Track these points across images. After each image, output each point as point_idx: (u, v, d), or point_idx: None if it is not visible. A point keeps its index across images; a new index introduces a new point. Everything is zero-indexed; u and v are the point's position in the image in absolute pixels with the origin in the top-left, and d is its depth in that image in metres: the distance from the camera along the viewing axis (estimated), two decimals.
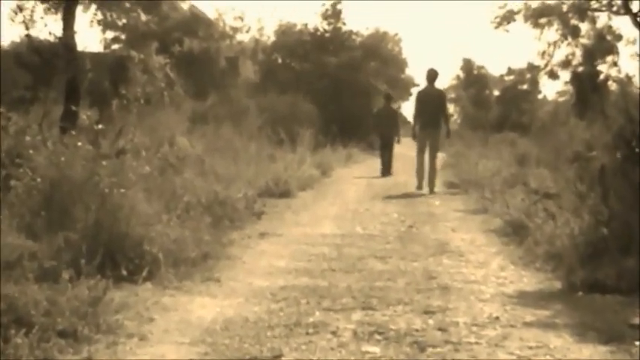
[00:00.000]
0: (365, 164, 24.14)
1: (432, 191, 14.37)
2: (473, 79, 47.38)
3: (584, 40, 33.64)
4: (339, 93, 32.34)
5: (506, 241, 8.54)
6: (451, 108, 55.55)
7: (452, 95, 52.53)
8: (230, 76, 30.24)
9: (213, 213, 8.76)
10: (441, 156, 23.46)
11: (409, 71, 45.75)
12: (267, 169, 14.31)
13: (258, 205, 10.74)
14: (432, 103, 14.63)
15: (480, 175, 14.92)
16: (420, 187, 14.61)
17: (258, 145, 16.80)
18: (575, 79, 33.40)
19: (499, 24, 32.89)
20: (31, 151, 7.00)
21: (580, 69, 33.78)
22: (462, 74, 48.87)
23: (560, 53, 35.77)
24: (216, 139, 16.14)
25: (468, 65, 48.10)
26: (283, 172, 14.23)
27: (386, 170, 19.68)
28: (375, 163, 20.74)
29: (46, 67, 15.82)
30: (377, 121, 20.78)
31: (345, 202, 12.71)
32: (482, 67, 48.11)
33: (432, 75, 14.99)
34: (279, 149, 17.87)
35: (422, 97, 14.90)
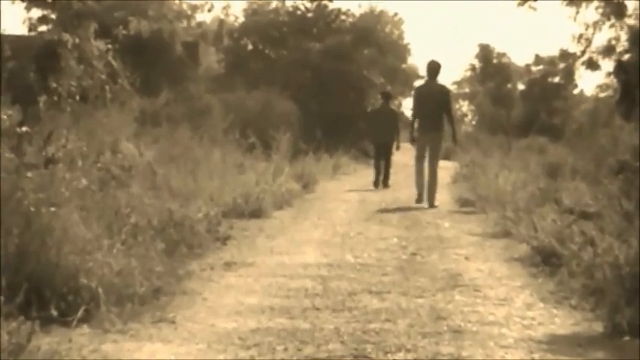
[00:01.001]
0: (357, 176, 24.15)
1: (431, 205, 14.96)
2: (492, 69, 47.63)
3: (631, 21, 33.83)
4: (325, 88, 32.42)
5: (533, 272, 8.56)
6: (465, 106, 55.86)
7: (465, 90, 52.83)
8: (188, 66, 30.25)
9: (167, 237, 8.73)
10: (452, 166, 23.62)
11: (412, 60, 45.94)
12: (234, 182, 14.30)
13: (224, 227, 10.73)
14: (432, 101, 15.17)
15: (501, 189, 14.97)
16: (419, 199, 15.17)
17: (224, 153, 16.79)
18: (620, 69, 33.54)
19: (524, 1, 33.07)
20: None
21: (626, 57, 33.95)
22: (478, 64, 49.11)
23: (602, 37, 36.01)
24: (170, 145, 16.13)
25: (485, 52, 48.35)
26: (255, 186, 14.22)
27: (380, 182, 19.92)
28: (368, 174, 20.77)
29: None
30: (372, 123, 21.07)
31: (333, 223, 12.71)
32: (503, 55, 48.41)
33: (434, 68, 15.55)
34: (249, 157, 17.87)
35: (421, 95, 15.47)
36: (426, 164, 15.23)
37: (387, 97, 21.65)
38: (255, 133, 18.86)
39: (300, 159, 20.91)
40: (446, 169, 21.12)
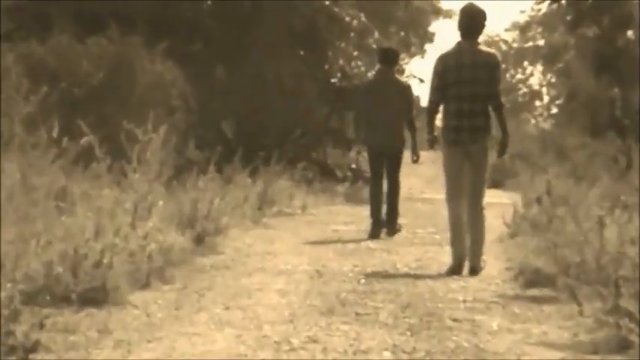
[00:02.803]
0: (307, 220, 24.33)
1: (474, 271, 15.93)
2: (590, 6, 48.09)
3: None
4: (242, 35, 32.57)
5: None
6: (536, 75, 56.15)
7: (537, 42, 53.32)
8: None
9: None
10: (508, 201, 23.77)
11: None
12: (49, 230, 14.27)
13: (25, 326, 10.68)
14: (474, 82, 16.07)
15: (609, 252, 15.05)
16: (458, 268, 15.97)
17: (26, 168, 16.78)
18: None
19: None
20: None
21: None
22: None
23: None
24: None
25: None
26: (93, 239, 14.19)
27: (382, 223, 20.88)
28: (332, 214, 20.93)
29: None
30: (363, 109, 21.99)
31: (257, 319, 12.74)
32: None
33: (476, 19, 16.30)
34: (81, 178, 17.87)
35: (451, 70, 16.24)
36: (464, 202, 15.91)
37: (390, 58, 22.46)
38: (94, 126, 18.79)
39: (188, 183, 20.94)
40: (495, 207, 21.29)
